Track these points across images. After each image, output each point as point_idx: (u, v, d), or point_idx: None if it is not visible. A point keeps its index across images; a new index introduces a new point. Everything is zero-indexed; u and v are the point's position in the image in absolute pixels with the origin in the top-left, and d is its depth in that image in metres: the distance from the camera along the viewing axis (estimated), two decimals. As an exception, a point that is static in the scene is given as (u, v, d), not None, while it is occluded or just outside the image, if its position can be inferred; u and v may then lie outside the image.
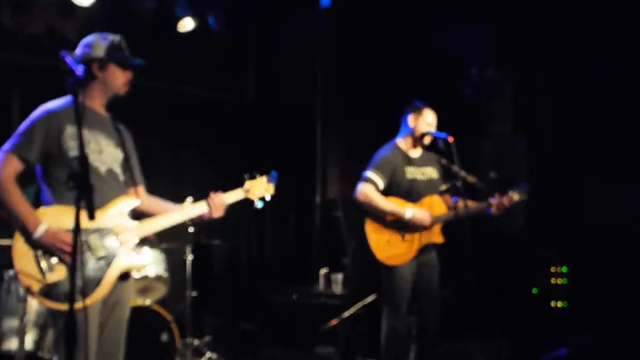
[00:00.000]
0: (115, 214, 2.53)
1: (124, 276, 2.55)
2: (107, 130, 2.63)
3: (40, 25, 4.71)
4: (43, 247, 2.34)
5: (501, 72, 5.68)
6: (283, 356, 5.13)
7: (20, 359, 3.60)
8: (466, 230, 3.51)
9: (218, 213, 2.73)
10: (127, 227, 2.55)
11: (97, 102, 2.61)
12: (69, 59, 2.18)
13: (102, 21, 4.75)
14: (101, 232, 2.46)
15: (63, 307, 2.32)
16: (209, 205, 2.72)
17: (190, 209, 2.73)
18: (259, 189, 2.87)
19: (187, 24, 5.39)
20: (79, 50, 2.60)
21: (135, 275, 4.05)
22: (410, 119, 3.94)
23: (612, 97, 4.78)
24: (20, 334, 3.64)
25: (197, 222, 2.84)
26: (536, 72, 5.39)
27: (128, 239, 2.52)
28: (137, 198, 2.68)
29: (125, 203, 2.59)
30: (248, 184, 2.86)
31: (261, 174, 2.89)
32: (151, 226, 2.63)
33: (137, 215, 2.72)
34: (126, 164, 2.68)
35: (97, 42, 2.58)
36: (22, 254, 2.35)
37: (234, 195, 2.82)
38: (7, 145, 2.46)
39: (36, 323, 3.80)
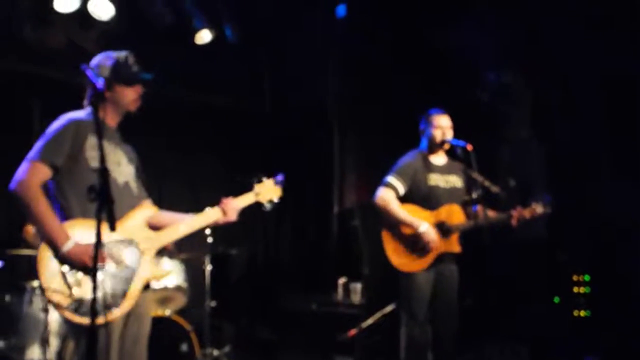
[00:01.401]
0: (134, 225, 2.54)
1: (145, 287, 2.56)
2: (121, 146, 2.68)
3: (60, 38, 4.77)
4: (70, 262, 2.32)
5: (518, 76, 5.64)
6: (302, 365, 5.11)
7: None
8: (485, 238, 3.48)
9: (232, 217, 2.75)
10: (147, 237, 2.57)
11: (110, 119, 2.64)
12: (89, 72, 2.20)
13: (121, 34, 4.81)
14: (123, 243, 2.48)
15: (80, 321, 2.32)
16: (222, 210, 2.73)
17: (206, 216, 2.73)
18: (268, 192, 2.90)
19: (204, 36, 5.44)
20: (89, 73, 2.59)
21: (155, 285, 4.08)
22: (424, 127, 3.95)
23: (632, 100, 4.72)
24: (43, 344, 3.67)
25: (213, 226, 2.85)
26: (553, 76, 5.34)
27: (148, 249, 2.54)
28: (153, 209, 2.70)
29: (142, 213, 2.61)
30: (257, 187, 2.89)
31: (268, 177, 2.92)
32: (169, 235, 2.64)
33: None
34: (138, 179, 2.72)
35: (102, 63, 2.60)
36: (49, 269, 2.33)
37: (245, 199, 2.85)
38: (34, 153, 2.44)
39: (58, 333, 3.82)
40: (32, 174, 2.39)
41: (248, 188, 2.89)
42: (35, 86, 4.85)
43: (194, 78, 5.65)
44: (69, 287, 2.33)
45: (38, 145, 2.45)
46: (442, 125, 3.90)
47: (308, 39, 6.10)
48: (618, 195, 4.65)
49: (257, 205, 2.90)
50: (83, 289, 2.34)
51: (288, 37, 6.21)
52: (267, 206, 2.90)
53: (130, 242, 2.51)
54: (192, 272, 4.43)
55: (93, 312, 1.94)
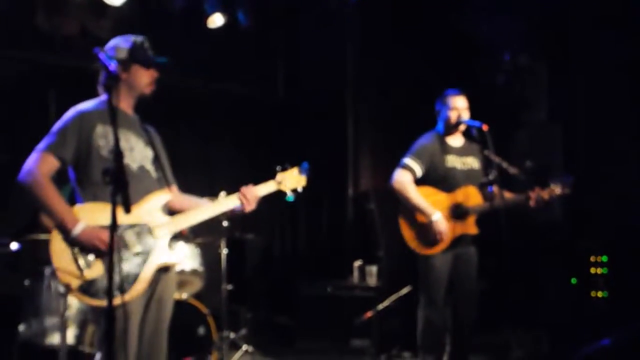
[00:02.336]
0: (149, 210, 2.54)
1: (164, 270, 2.57)
2: (136, 130, 2.66)
3: (74, 26, 4.79)
4: (80, 245, 2.36)
5: (535, 59, 5.57)
6: (318, 349, 5.14)
7: (62, 353, 3.68)
8: (503, 220, 3.46)
9: (250, 206, 2.71)
10: (162, 222, 2.56)
11: (125, 104, 2.64)
12: (102, 56, 2.20)
13: (133, 20, 4.81)
14: (136, 228, 2.49)
15: (102, 303, 2.35)
16: (241, 199, 2.71)
17: (223, 203, 2.73)
18: (291, 180, 2.85)
19: (216, 20, 5.42)
20: (104, 55, 2.60)
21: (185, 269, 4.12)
22: (440, 109, 3.92)
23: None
24: (62, 329, 3.72)
25: (231, 216, 2.84)
26: (571, 58, 5.27)
27: (163, 235, 2.54)
28: (171, 194, 2.68)
29: (158, 198, 2.60)
30: (280, 175, 2.84)
31: (292, 166, 2.87)
32: (185, 221, 2.64)
33: (170, 212, 2.73)
34: (157, 163, 2.69)
35: (119, 45, 2.61)
36: (60, 252, 2.38)
37: (267, 188, 2.80)
38: (42, 144, 2.48)
39: (76, 318, 3.87)
40: (39, 163, 2.43)
41: (271, 176, 2.84)
42: (51, 75, 4.87)
43: (207, 65, 5.65)
44: (80, 268, 2.36)
45: (46, 139, 2.49)
46: (458, 107, 3.86)
47: (322, 23, 6.06)
48: (635, 176, 4.60)
49: (279, 193, 2.87)
50: (93, 270, 2.38)
51: (302, 22, 6.19)
52: (290, 197, 2.86)
53: (144, 226, 2.52)
54: (209, 256, 4.46)
55: (109, 294, 1.96)
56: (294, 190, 2.86)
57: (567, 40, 5.27)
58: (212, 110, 5.88)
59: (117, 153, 2.06)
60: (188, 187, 2.92)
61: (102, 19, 4.84)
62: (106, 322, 1.99)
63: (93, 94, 2.67)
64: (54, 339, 3.80)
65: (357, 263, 5.54)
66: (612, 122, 4.92)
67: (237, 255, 4.98)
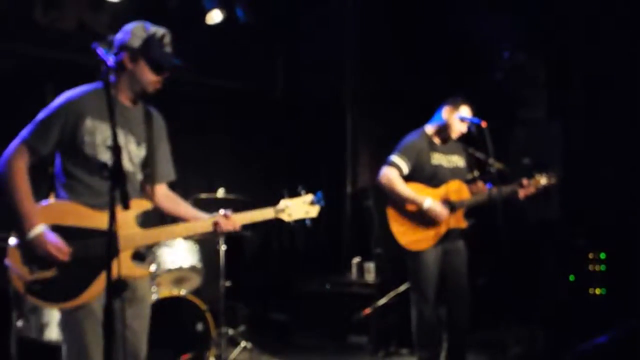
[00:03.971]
0: (121, 218, 2.27)
1: (124, 282, 2.37)
2: (130, 126, 2.49)
3: (72, 20, 4.78)
4: (31, 250, 2.28)
5: (533, 56, 5.56)
6: (316, 345, 5.15)
7: (61, 348, 3.68)
8: (499, 217, 3.46)
9: (221, 234, 2.57)
10: (129, 234, 2.39)
11: (124, 95, 2.48)
12: (100, 50, 2.16)
13: (131, 14, 4.78)
14: (103, 235, 2.22)
15: (47, 305, 2.38)
16: (214, 226, 2.53)
17: (196, 225, 2.54)
18: (298, 210, 2.60)
19: (215, 16, 5.40)
20: (119, 35, 2.46)
21: (170, 265, 4.11)
22: (446, 111, 3.91)
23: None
24: (61, 324, 3.71)
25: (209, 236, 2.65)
26: (569, 55, 5.27)
27: (125, 247, 2.36)
28: (151, 200, 2.53)
29: (134, 208, 2.41)
30: (284, 202, 2.60)
31: (305, 192, 2.63)
32: (154, 236, 2.46)
33: (159, 215, 2.66)
34: (148, 160, 2.53)
35: (137, 31, 2.43)
36: (14, 250, 2.31)
37: (262, 214, 2.59)
38: (24, 132, 2.37)
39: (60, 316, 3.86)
40: (16, 155, 2.35)
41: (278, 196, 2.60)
42: (48, 69, 4.86)
43: (206, 61, 5.63)
44: (31, 271, 2.29)
45: (29, 126, 2.38)
46: (467, 119, 3.85)
47: (321, 21, 6.05)
48: (633, 174, 4.60)
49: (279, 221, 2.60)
50: (43, 272, 2.29)
51: (301, 20, 6.17)
52: (293, 224, 2.62)
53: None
54: (207, 252, 4.46)
55: (109, 293, 1.95)
56: (299, 221, 2.61)
57: (565, 38, 5.26)
58: (210, 105, 5.86)
59: (116, 148, 2.02)
60: (186, 183, 2.88)
61: (99, 14, 4.83)
62: (105, 322, 1.96)
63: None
64: (52, 334, 3.80)
65: (355, 260, 5.54)
66: (611, 120, 4.92)
67: (235, 252, 4.97)
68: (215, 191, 4.62)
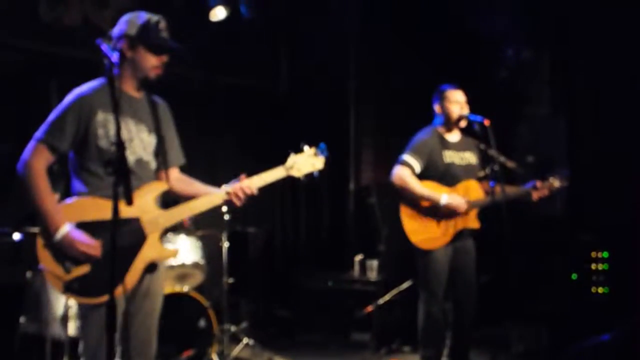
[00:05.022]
0: (141, 203, 2.44)
1: (152, 267, 2.49)
2: (139, 115, 2.54)
3: (76, 16, 4.78)
4: (61, 250, 2.30)
5: (538, 53, 5.55)
6: (319, 342, 5.16)
7: (65, 345, 3.69)
8: (504, 215, 3.45)
9: (238, 202, 2.57)
10: (154, 216, 2.47)
11: (128, 84, 2.52)
12: (104, 47, 2.17)
13: (135, 11, 4.79)
14: (127, 222, 2.39)
15: (90, 301, 2.34)
16: (230, 195, 2.56)
17: (216, 197, 2.59)
18: (305, 163, 2.65)
19: (219, 13, 5.41)
20: (116, 28, 2.52)
21: (173, 262, 4.11)
22: (437, 105, 3.90)
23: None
24: (64, 320, 3.73)
25: (230, 206, 2.68)
26: (574, 52, 5.25)
27: (154, 229, 2.45)
28: (166, 183, 2.59)
29: (151, 190, 2.50)
30: (291, 159, 2.66)
31: (309, 146, 2.68)
32: (177, 214, 2.53)
33: (174, 198, 2.69)
34: (159, 147, 2.58)
35: (133, 20, 2.49)
36: (45, 252, 2.33)
37: (274, 174, 2.63)
38: (39, 133, 2.40)
39: (78, 310, 3.88)
40: (34, 155, 2.36)
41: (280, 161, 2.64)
42: (52, 65, 4.87)
43: (209, 57, 5.63)
44: (66, 269, 2.31)
45: (43, 126, 2.41)
46: (459, 101, 3.85)
47: (325, 20, 6.05)
48: (637, 171, 4.59)
49: (291, 179, 2.64)
50: (79, 269, 2.32)
51: (305, 18, 6.16)
52: (304, 180, 2.65)
53: (134, 221, 2.43)
54: (210, 249, 4.47)
55: (111, 287, 1.96)
56: (309, 175, 2.66)
57: (569, 34, 5.25)
58: (214, 103, 5.86)
59: (119, 143, 2.03)
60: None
61: (104, 10, 4.83)
62: (108, 316, 1.97)
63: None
64: (56, 330, 3.81)
65: (358, 257, 5.55)
66: (615, 117, 4.90)
67: (238, 249, 4.98)
68: (218, 186, 4.61)
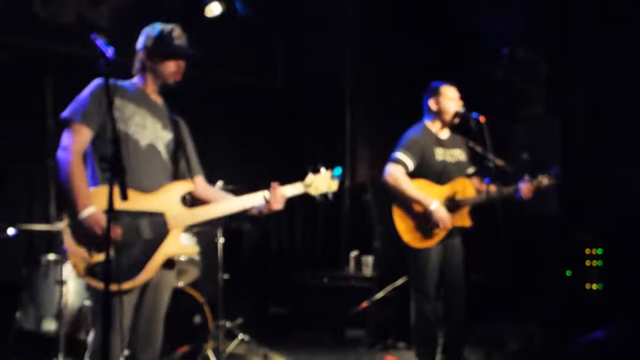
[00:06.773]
0: (167, 199, 2.52)
1: (170, 263, 2.55)
2: (158, 114, 2.65)
3: (71, 13, 4.78)
4: (84, 229, 2.33)
5: (533, 53, 5.56)
6: (313, 339, 5.17)
7: (61, 340, 3.70)
8: (498, 213, 3.46)
9: (278, 206, 2.69)
10: (178, 212, 2.54)
11: (150, 89, 2.67)
12: (99, 42, 2.18)
13: (130, 7, 4.79)
14: (152, 215, 2.47)
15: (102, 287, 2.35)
16: (267, 198, 2.67)
17: (246, 199, 2.68)
18: (321, 184, 2.81)
19: (214, 9, 5.40)
20: (138, 41, 2.67)
21: (181, 259, 4.12)
22: (432, 102, 3.88)
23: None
24: (59, 316, 3.73)
25: (251, 215, 2.75)
26: (569, 52, 5.27)
27: (176, 225, 2.52)
28: (192, 183, 2.67)
29: (178, 188, 2.59)
30: (309, 178, 2.80)
31: (325, 168, 2.83)
32: (203, 214, 2.61)
33: (195, 202, 2.72)
34: (178, 150, 2.69)
35: (148, 32, 2.65)
36: (69, 234, 2.36)
37: (293, 190, 2.77)
38: (75, 115, 2.44)
39: (73, 305, 3.89)
40: (75, 138, 2.42)
41: (298, 176, 2.78)
42: (47, 62, 4.86)
43: (205, 55, 5.62)
44: (89, 251, 2.35)
45: (74, 106, 2.46)
46: (454, 97, 3.85)
47: (321, 16, 6.05)
48: (633, 170, 4.61)
49: (306, 197, 2.80)
50: (99, 252, 2.35)
51: (301, 14, 6.17)
52: (319, 199, 2.81)
53: (158, 215, 2.49)
54: (205, 245, 4.47)
55: (106, 279, 1.97)
56: (323, 195, 2.82)
57: (566, 34, 5.26)
58: (209, 99, 5.86)
59: (115, 139, 2.04)
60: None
61: (99, 7, 4.83)
62: (103, 305, 1.98)
63: (90, 81, 2.64)
64: (51, 326, 3.82)
65: (353, 254, 5.56)
66: (611, 116, 4.93)
67: (233, 245, 4.98)
68: (213, 184, 4.62)
